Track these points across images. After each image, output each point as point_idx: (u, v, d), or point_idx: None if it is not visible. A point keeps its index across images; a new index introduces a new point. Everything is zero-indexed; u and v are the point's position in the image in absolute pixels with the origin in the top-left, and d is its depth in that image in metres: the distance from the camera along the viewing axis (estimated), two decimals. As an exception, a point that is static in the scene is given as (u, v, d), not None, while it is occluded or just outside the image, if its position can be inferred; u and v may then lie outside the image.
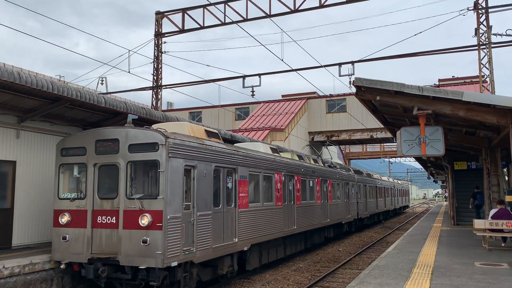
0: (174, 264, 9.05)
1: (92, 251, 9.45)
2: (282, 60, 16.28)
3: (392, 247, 13.70)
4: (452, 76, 40.15)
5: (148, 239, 8.81)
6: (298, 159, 17.88)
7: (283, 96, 46.39)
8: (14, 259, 9.45)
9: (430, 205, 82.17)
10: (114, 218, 9.32)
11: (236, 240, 11.62)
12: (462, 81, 38.20)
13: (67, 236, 9.69)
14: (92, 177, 9.74)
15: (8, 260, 9.36)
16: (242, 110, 44.44)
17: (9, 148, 11.62)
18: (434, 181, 58.64)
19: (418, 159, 29.28)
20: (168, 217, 8.93)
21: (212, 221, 10.52)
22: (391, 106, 12.27)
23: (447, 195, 63.86)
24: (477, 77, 33.06)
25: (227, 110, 42.52)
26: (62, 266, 9.63)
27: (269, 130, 34.25)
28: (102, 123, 13.25)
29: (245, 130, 34.74)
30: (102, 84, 27.52)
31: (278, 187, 14.71)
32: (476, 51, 21.24)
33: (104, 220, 9.44)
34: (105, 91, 28.14)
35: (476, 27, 20.93)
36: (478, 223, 12.72)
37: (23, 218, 11.84)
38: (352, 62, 18.55)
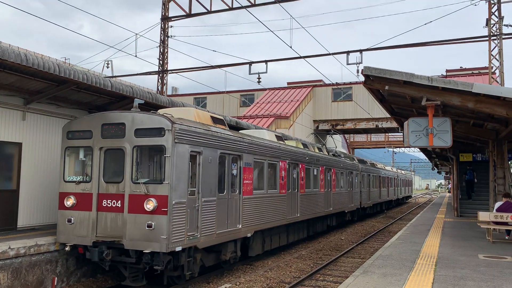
0: (179, 249, 9.09)
1: (97, 234, 9.50)
2: (290, 47, 16.11)
3: (396, 237, 13.71)
4: (460, 67, 39.76)
5: (153, 223, 8.84)
6: (302, 147, 17.84)
7: (288, 83, 46.15)
8: (19, 240, 9.52)
9: (433, 196, 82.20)
10: (119, 202, 9.35)
11: (240, 226, 11.65)
12: (470, 72, 37.85)
13: (72, 218, 9.73)
14: (98, 161, 9.74)
15: (13, 241, 9.43)
16: (247, 97, 44.28)
17: (15, 130, 11.63)
18: (438, 172, 58.53)
19: (423, 149, 29.18)
20: (173, 202, 8.94)
21: (217, 207, 10.54)
22: (399, 96, 12.15)
23: (450, 186, 63.72)
24: (485, 68, 32.78)
25: (232, 96, 42.38)
26: (67, 248, 9.69)
27: (274, 117, 34.16)
28: (108, 106, 13.21)
29: (250, 117, 34.66)
30: (107, 67, 27.40)
31: (283, 175, 14.70)
32: (486, 42, 20.97)
33: (109, 204, 9.47)
34: (110, 75, 28.05)
35: (487, 17, 20.62)
36: (482, 216, 12.70)
37: (28, 200, 11.91)
38: (361, 51, 18.35)
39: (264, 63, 20.87)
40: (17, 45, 26.16)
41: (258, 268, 12.47)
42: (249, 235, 12.17)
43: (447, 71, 39.56)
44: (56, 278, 9.67)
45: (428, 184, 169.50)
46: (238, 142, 11.74)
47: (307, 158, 17.23)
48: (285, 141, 17.05)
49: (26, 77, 10.63)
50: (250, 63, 20.78)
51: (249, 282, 10.53)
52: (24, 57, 9.35)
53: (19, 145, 11.72)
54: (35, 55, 10.19)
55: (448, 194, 66.84)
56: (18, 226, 11.60)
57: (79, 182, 9.88)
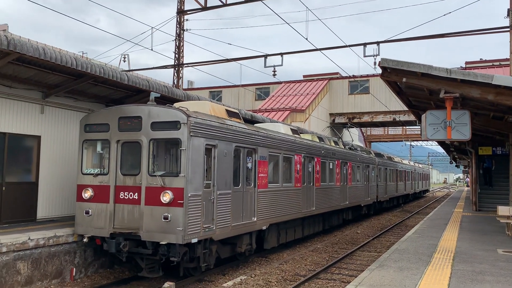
0: (194, 240, 9.16)
1: (114, 226, 9.63)
2: (306, 39, 15.99)
3: (413, 231, 13.58)
4: (480, 59, 38.97)
5: (169, 215, 8.92)
6: (318, 141, 17.75)
7: (304, 76, 45.87)
8: (39, 232, 9.71)
9: (451, 190, 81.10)
10: (136, 194, 9.45)
11: (255, 219, 11.68)
12: (491, 64, 37.05)
13: (90, 210, 9.88)
14: (115, 154, 9.85)
15: (33, 232, 9.62)
16: (262, 90, 44.20)
17: (34, 123, 11.83)
18: (456, 165, 57.68)
19: (441, 143, 28.76)
20: (189, 195, 9.00)
21: (232, 200, 10.58)
22: (417, 89, 11.96)
23: (468, 180, 62.72)
24: (506, 59, 32.04)
25: (247, 90, 42.34)
26: (85, 240, 9.85)
27: (289, 111, 34.04)
28: (124, 100, 13.33)
29: (265, 111, 34.60)
30: (124, 61, 27.62)
31: (298, 169, 14.66)
32: (507, 33, 20.45)
33: (126, 196, 9.58)
34: (127, 69, 28.28)
35: (509, 7, 20.11)
36: (502, 210, 12.47)
37: (47, 192, 12.13)
38: (378, 43, 18.10)
39: (279, 56, 20.74)
40: (36, 40, 26.51)
41: (273, 261, 12.50)
42: (264, 228, 12.20)
43: (466, 63, 38.82)
44: (74, 268, 9.85)
45: (446, 178, 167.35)
46: (253, 136, 11.74)
47: (322, 151, 17.15)
48: (301, 134, 16.98)
49: (44, 71, 10.78)
50: (266, 56, 20.69)
51: (264, 274, 10.56)
52: (42, 51, 9.47)
53: (38, 138, 11.93)
54: (53, 49, 10.32)
55: (466, 188, 65.87)
56: (37, 218, 11.84)
57: (97, 174, 10.02)
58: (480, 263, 8.72)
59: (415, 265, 8.52)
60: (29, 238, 9.02)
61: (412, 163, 48.50)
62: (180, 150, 9.07)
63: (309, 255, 13.31)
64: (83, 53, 33.60)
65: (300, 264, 12.00)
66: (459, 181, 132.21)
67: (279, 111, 34.22)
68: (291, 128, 16.06)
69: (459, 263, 8.69)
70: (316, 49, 19.02)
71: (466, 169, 57.15)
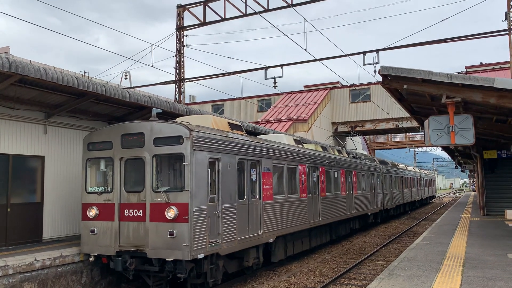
0: (201, 256, 9.09)
1: (120, 243, 9.58)
2: (305, 50, 16.04)
3: (421, 238, 13.45)
4: (480, 63, 38.98)
5: (174, 231, 8.87)
6: (322, 150, 17.70)
7: (305, 86, 45.99)
8: (45, 252, 9.67)
9: (458, 195, 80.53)
10: (141, 211, 9.42)
11: (261, 232, 11.60)
12: (491, 67, 37.05)
13: (95, 229, 9.84)
14: (119, 171, 9.85)
15: (39, 253, 9.59)
16: (264, 102, 44.32)
17: (38, 143, 11.86)
18: (461, 170, 57.36)
19: (445, 148, 28.63)
20: (194, 210, 8.96)
21: (237, 213, 10.52)
22: (418, 95, 11.94)
23: (474, 185, 62.30)
24: (506, 62, 32.07)
25: (249, 102, 42.46)
26: (91, 259, 9.79)
27: (291, 121, 34.05)
28: (127, 117, 13.37)
29: (268, 122, 34.63)
30: (125, 78, 27.78)
31: (302, 179, 14.60)
32: (506, 36, 20.47)
33: (131, 213, 9.55)
34: (128, 86, 28.43)
35: (506, 10, 20.17)
36: (510, 213, 12.36)
37: (52, 212, 12.11)
38: (377, 51, 18.15)
39: (279, 68, 20.83)
40: (37, 61, 26.77)
41: (281, 274, 12.38)
42: (271, 240, 12.10)
43: (466, 67, 38.85)
44: (81, 288, 9.78)
45: (452, 183, 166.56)
46: (256, 147, 11.72)
47: (326, 161, 17.09)
48: (304, 144, 16.95)
49: (46, 91, 10.84)
50: (266, 68, 20.76)
51: (272, 288, 10.45)
52: (43, 72, 9.53)
53: (42, 158, 11.95)
54: (54, 69, 10.39)
55: (473, 193, 65.42)
56: (43, 238, 11.80)
57: (101, 192, 10.00)
58: (491, 269, 8.60)
59: (425, 273, 8.41)
60: (35, 259, 8.98)
61: (417, 170, 48.28)
62: (184, 164, 9.05)
63: (318, 267, 13.18)
64: (84, 72, 33.79)
65: (309, 276, 11.87)
66: (466, 186, 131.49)
67: (281, 122, 34.25)
68: (294, 139, 16.04)
69: (470, 270, 8.58)
70: (316, 60, 19.08)
71: (472, 173, 56.82)
